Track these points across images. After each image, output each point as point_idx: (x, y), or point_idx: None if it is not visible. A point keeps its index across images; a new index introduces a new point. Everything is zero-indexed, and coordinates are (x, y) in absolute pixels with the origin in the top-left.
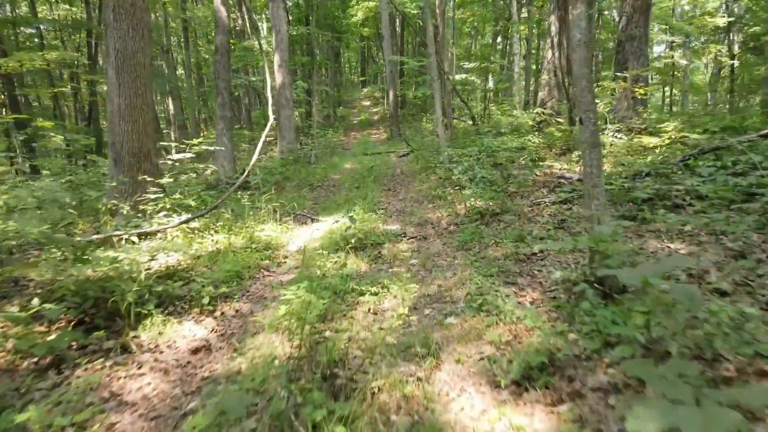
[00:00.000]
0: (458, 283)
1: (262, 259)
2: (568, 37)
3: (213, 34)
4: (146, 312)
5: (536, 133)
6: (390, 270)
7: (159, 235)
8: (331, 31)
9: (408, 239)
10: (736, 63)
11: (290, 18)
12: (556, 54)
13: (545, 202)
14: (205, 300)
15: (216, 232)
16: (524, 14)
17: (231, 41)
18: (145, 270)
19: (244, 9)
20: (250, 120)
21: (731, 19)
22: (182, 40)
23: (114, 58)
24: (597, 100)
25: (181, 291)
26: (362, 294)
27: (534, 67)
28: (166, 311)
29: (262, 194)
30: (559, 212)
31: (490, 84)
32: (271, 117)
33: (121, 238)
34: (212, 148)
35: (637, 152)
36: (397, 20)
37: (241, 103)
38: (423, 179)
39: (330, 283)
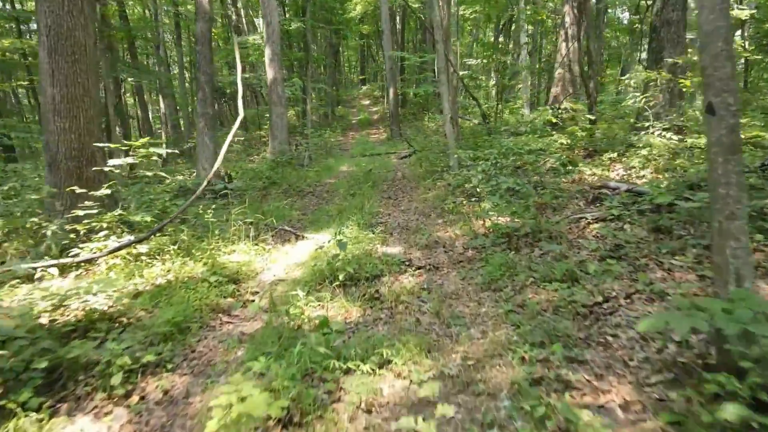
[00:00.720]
0: (492, 353)
1: (223, 296)
2: (588, 26)
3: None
4: (15, 406)
5: (554, 132)
6: (391, 320)
7: (100, 261)
8: (327, 23)
9: (414, 269)
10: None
11: (286, 12)
12: (571, 46)
13: (586, 219)
14: (116, 379)
15: (171, 256)
16: (529, 10)
17: (223, 35)
18: (49, 321)
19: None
20: (244, 119)
21: (753, 11)
22: (174, 36)
23: (45, 37)
24: (638, 93)
25: (95, 355)
26: (349, 371)
27: (538, 65)
28: (57, 396)
29: (240, 203)
30: (609, 233)
31: (493, 81)
32: (241, 112)
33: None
34: (162, 151)
35: (689, 156)
36: (398, 17)
37: (236, 101)
38: (429, 186)
39: (298, 358)
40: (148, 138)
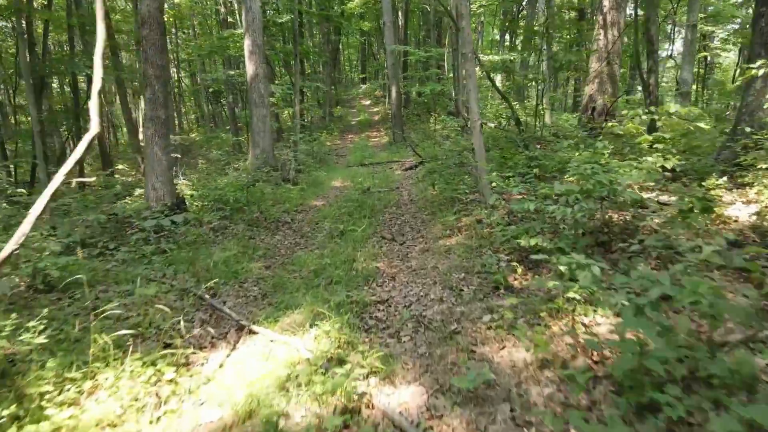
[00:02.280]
0: None
1: None
2: (648, 5)
3: (201, 24)
4: None
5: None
6: None
7: None
8: (324, 16)
9: None
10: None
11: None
12: (611, 35)
13: None
14: None
15: None
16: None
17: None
18: None
19: None
20: (234, 120)
21: None
22: None
23: None
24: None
25: None
26: None
27: (558, 62)
28: None
29: (184, 247)
30: None
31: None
32: (94, 123)
33: None
34: None
35: None
36: (400, 12)
37: (226, 100)
38: (449, 225)
39: None
40: None
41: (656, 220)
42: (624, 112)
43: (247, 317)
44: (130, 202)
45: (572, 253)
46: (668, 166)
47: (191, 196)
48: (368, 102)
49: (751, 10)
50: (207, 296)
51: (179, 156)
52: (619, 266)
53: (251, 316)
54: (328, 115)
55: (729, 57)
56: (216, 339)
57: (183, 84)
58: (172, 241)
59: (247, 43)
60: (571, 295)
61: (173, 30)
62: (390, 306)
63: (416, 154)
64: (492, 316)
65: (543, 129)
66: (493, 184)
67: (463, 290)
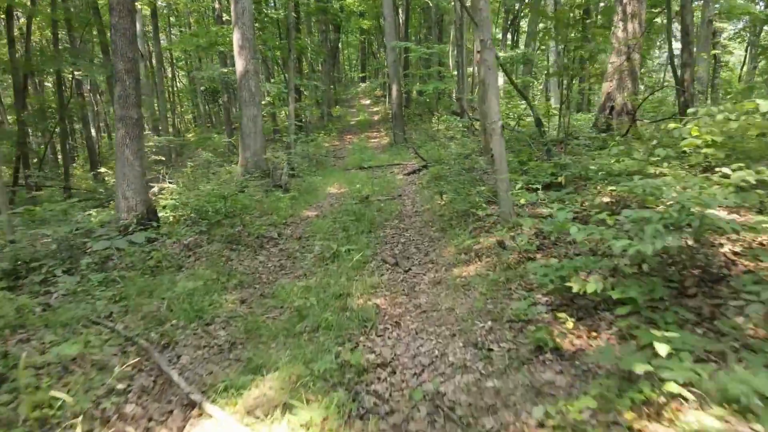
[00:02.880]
0: None
1: None
2: None
3: (198, 21)
4: None
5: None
6: None
7: None
8: (323, 11)
9: None
10: None
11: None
12: (631, 28)
13: None
14: None
15: None
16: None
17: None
18: None
19: None
20: (229, 120)
21: None
22: (151, 27)
23: None
24: None
25: None
26: None
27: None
28: None
29: (143, 275)
30: None
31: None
32: None
33: None
34: None
35: None
36: (400, 9)
37: (222, 100)
38: (464, 247)
39: None
40: None
41: (729, 247)
42: (690, 110)
43: (203, 385)
44: (95, 214)
45: (636, 295)
46: (751, 180)
47: (164, 207)
48: (368, 101)
49: (759, 7)
50: (154, 351)
51: (164, 158)
52: (713, 322)
53: (210, 380)
54: (326, 115)
55: (735, 55)
56: (154, 423)
57: (179, 83)
58: (130, 266)
59: (236, 37)
60: (673, 389)
61: (168, 28)
62: (394, 373)
63: (419, 157)
64: (545, 408)
65: (568, 130)
66: (522, 201)
67: (492, 350)
